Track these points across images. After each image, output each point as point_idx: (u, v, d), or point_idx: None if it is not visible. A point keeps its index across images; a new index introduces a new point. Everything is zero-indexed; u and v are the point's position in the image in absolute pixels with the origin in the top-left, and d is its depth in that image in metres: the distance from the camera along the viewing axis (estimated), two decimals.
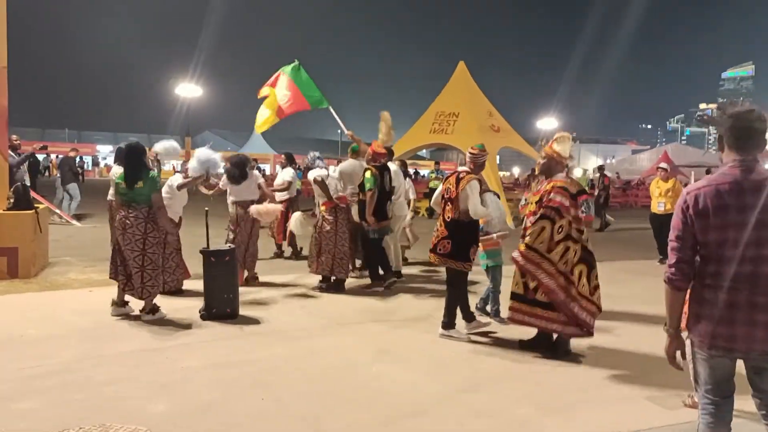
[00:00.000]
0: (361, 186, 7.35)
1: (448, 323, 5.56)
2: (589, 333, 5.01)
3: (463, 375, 4.59)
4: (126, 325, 5.70)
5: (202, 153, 7.03)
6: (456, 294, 5.59)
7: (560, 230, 4.83)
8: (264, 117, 9.49)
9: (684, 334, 3.96)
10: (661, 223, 9.77)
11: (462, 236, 5.43)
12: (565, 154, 5.06)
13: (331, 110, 9.41)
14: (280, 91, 9.31)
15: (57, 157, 38.78)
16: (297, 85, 9.23)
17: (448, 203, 5.46)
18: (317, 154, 8.06)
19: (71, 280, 7.62)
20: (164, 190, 7.05)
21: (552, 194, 4.90)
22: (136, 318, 5.87)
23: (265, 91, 9.54)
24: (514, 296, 5.06)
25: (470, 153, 5.61)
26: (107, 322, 5.78)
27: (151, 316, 5.82)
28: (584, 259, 4.92)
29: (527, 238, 4.92)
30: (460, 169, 5.69)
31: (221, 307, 5.93)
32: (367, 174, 7.28)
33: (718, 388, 2.68)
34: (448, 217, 5.44)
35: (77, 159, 16.89)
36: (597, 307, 5.00)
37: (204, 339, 5.33)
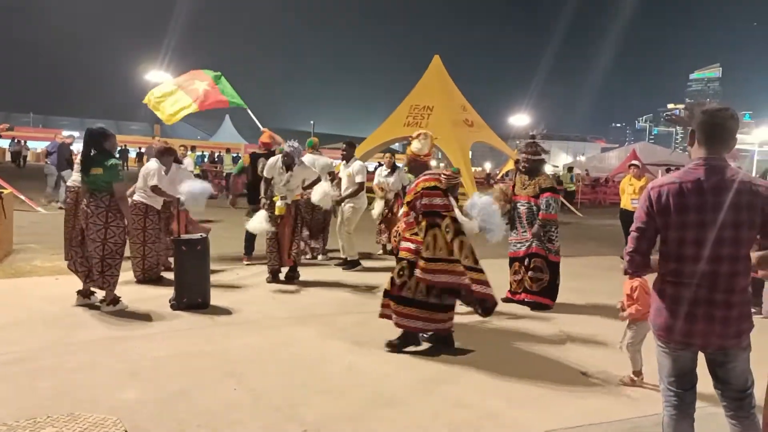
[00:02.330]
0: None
1: None
2: (486, 306, 4.84)
3: (435, 367, 4.62)
4: (94, 313, 5.59)
5: (195, 188, 6.80)
6: None
7: (447, 230, 4.74)
8: (178, 107, 9.77)
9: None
10: (631, 219, 9.89)
11: None
12: (422, 152, 5.02)
13: (249, 112, 10.73)
14: (200, 84, 9.95)
15: (23, 142, 37.73)
16: (217, 86, 10.09)
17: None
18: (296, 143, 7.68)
19: (37, 267, 7.47)
20: (139, 182, 6.95)
21: (424, 199, 4.82)
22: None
23: (167, 86, 10.11)
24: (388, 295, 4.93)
25: (444, 175, 5.83)
26: (74, 309, 5.68)
27: (112, 307, 5.68)
28: (459, 232, 4.75)
29: (424, 253, 4.75)
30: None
31: (192, 297, 5.86)
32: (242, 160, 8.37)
33: (681, 380, 2.75)
34: None
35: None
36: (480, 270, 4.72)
37: (174, 328, 5.27)
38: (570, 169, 27.64)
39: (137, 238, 6.81)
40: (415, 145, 5.09)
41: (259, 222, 7.08)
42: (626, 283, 4.36)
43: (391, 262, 8.85)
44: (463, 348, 4.99)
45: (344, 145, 9.01)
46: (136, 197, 6.92)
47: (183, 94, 9.77)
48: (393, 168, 9.52)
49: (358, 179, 8.43)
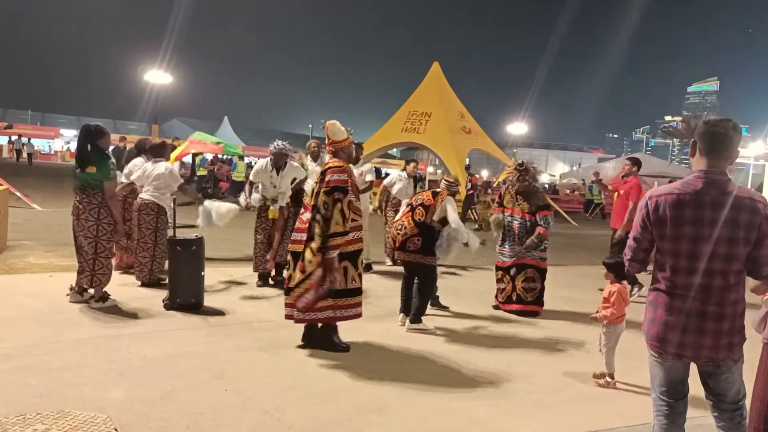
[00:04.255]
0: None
1: (416, 317, 5.75)
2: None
3: (425, 372, 4.63)
4: (86, 311, 5.59)
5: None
6: (428, 289, 5.88)
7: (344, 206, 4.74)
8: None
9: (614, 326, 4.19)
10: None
11: (429, 236, 5.74)
12: (342, 137, 4.99)
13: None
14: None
15: (29, 140, 37.90)
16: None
17: (419, 207, 5.79)
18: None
19: (30, 264, 7.44)
20: (160, 182, 6.80)
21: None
22: None
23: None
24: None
25: (446, 181, 6.06)
26: (66, 307, 5.67)
27: (101, 303, 5.70)
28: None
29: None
30: (441, 189, 5.99)
31: (185, 297, 5.85)
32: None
33: (672, 390, 2.76)
34: (418, 219, 5.73)
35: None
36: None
37: (166, 328, 5.26)
38: (600, 182, 27.68)
39: (149, 238, 6.65)
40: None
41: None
42: (607, 287, 4.62)
43: (391, 270, 8.88)
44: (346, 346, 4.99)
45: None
46: (146, 197, 6.75)
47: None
48: (416, 178, 9.48)
49: (368, 177, 8.43)
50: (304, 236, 4.84)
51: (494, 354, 5.21)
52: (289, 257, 5.01)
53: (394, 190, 9.52)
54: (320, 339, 4.99)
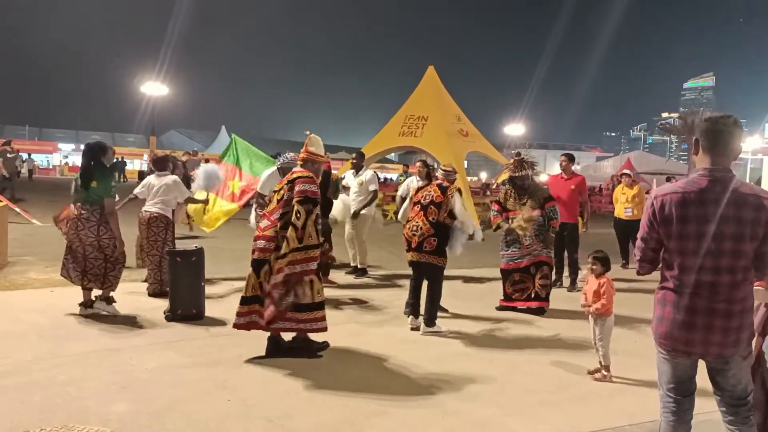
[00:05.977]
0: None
1: (431, 320, 5.77)
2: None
3: (427, 375, 4.62)
4: (87, 325, 5.59)
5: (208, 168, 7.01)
6: (438, 289, 5.84)
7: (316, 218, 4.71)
8: (219, 211, 8.36)
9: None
10: (625, 228, 10.03)
11: (444, 235, 5.76)
12: (320, 152, 4.99)
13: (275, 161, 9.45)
14: (233, 184, 8.48)
15: (29, 155, 37.97)
16: (242, 168, 8.53)
17: (430, 206, 5.75)
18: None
19: (31, 279, 7.46)
20: (160, 195, 6.84)
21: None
22: (99, 318, 5.77)
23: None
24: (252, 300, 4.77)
25: (443, 170, 6.09)
26: (68, 321, 5.67)
27: (104, 304, 5.84)
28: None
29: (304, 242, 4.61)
30: (440, 179, 6.03)
31: (187, 308, 5.86)
32: None
33: (680, 386, 2.76)
34: (433, 219, 5.71)
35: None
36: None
37: (168, 340, 5.26)
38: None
39: (156, 250, 6.72)
40: (312, 147, 5.02)
41: None
42: (592, 280, 4.66)
43: (390, 273, 8.88)
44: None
45: (355, 155, 9.18)
46: (153, 209, 6.80)
47: (222, 202, 8.40)
48: (428, 178, 9.19)
49: (372, 188, 8.49)
50: (265, 244, 4.72)
51: (496, 354, 5.20)
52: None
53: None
54: (296, 349, 4.91)
